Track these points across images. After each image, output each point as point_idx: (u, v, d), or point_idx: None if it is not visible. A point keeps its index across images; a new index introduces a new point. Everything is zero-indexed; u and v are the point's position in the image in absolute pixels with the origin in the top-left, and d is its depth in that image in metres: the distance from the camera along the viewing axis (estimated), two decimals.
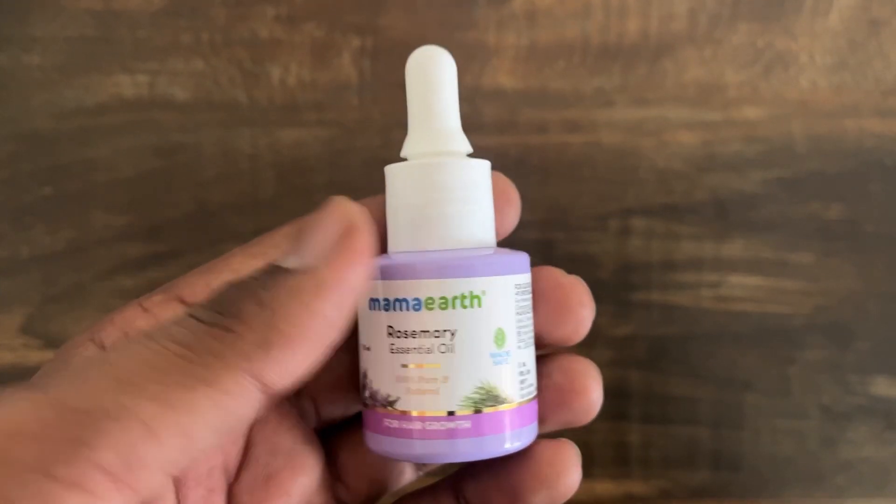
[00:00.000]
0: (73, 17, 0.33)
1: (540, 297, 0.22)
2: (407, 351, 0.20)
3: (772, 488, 0.34)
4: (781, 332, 0.34)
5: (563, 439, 0.22)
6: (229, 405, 0.15)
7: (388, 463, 0.24)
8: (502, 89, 0.33)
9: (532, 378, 0.22)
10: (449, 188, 0.21)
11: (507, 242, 0.24)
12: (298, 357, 0.16)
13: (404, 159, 0.22)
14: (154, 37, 0.33)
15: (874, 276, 0.33)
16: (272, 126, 0.33)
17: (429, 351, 0.20)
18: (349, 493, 0.24)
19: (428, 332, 0.20)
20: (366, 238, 0.18)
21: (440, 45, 0.23)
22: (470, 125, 0.33)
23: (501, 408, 0.21)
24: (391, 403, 0.21)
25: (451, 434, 0.20)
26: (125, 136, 0.33)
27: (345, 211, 0.18)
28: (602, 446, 0.34)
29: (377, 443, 0.21)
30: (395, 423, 0.20)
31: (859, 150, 0.33)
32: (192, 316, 0.16)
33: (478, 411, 0.20)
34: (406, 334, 0.20)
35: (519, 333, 0.21)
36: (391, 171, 0.22)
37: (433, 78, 0.22)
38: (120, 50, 0.33)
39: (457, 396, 0.20)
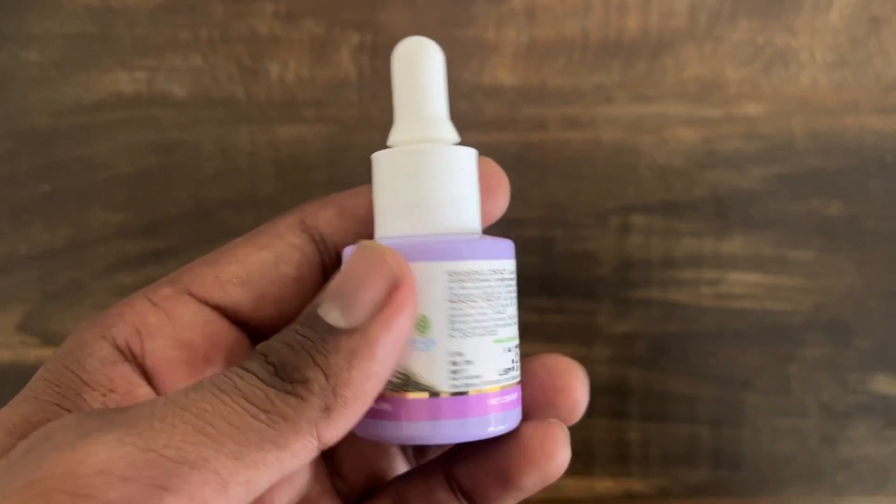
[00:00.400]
0: (71, 13, 0.33)
1: (536, 382, 0.23)
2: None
3: (771, 486, 0.34)
4: (781, 329, 0.33)
5: (552, 419, 0.22)
6: (291, 464, 0.17)
7: (384, 454, 0.24)
8: (502, 86, 0.33)
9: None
10: (434, 175, 0.21)
11: (508, 237, 0.24)
12: (355, 416, 0.18)
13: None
14: (152, 33, 0.33)
15: (874, 273, 0.33)
16: (271, 123, 0.33)
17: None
18: (347, 486, 0.24)
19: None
20: (411, 291, 0.19)
21: (439, 41, 0.23)
22: (470, 122, 0.33)
23: (421, 395, 0.21)
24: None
25: (378, 416, 0.20)
26: (123, 134, 0.33)
27: (389, 265, 0.19)
28: (602, 444, 0.34)
29: (363, 427, 0.21)
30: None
31: (860, 147, 0.33)
32: (258, 376, 0.18)
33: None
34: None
35: (452, 322, 0.21)
36: (378, 158, 0.22)
37: (419, 66, 0.22)
38: (118, 47, 0.33)
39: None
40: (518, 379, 0.22)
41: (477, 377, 0.22)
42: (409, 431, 0.21)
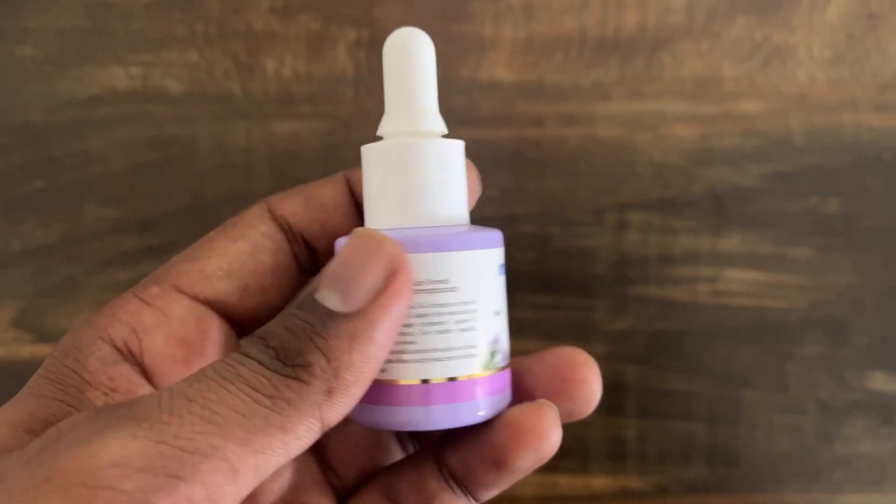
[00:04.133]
0: (66, 8, 0.33)
1: (552, 373, 0.24)
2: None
3: (768, 483, 0.34)
4: (778, 327, 0.33)
5: (542, 400, 0.22)
6: (297, 447, 0.17)
7: (377, 446, 0.24)
8: (499, 82, 0.33)
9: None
10: (423, 167, 0.22)
11: (505, 232, 0.24)
12: (355, 398, 0.18)
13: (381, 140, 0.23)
14: (148, 28, 0.33)
15: (871, 271, 0.33)
16: (267, 118, 0.33)
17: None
18: (340, 481, 0.24)
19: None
20: (408, 278, 0.19)
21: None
22: (466, 118, 0.33)
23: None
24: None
25: (372, 400, 0.21)
26: (119, 129, 0.33)
27: (387, 252, 0.19)
28: (598, 441, 0.34)
29: (359, 412, 0.21)
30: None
31: (857, 145, 0.33)
32: (260, 362, 0.18)
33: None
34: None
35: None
36: (367, 151, 0.23)
37: (409, 59, 0.22)
38: (113, 42, 0.33)
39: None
40: (507, 363, 0.22)
41: (505, 355, 0.22)
42: (402, 417, 0.21)
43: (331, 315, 0.18)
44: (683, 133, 0.33)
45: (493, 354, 0.22)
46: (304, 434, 0.17)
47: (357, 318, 0.18)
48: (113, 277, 0.33)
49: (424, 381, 0.21)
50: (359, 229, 0.20)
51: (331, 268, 0.19)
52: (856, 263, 0.33)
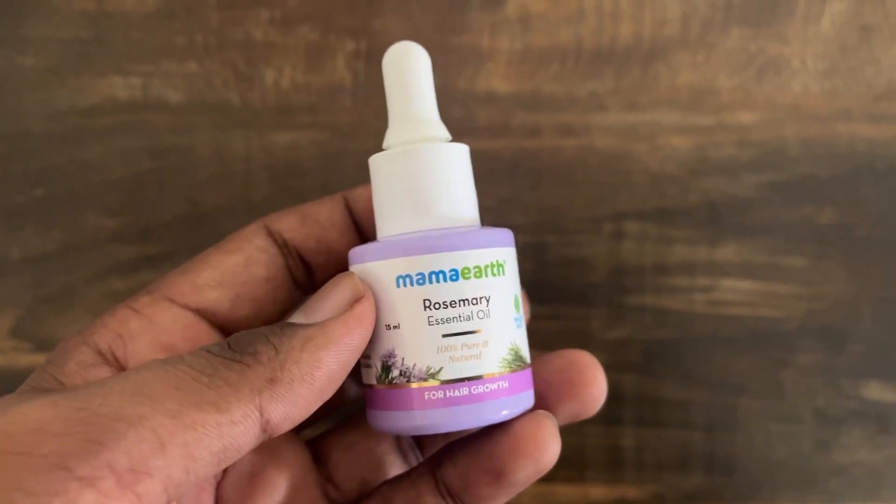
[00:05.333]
0: (66, 18, 0.33)
1: (560, 376, 0.25)
2: (447, 321, 0.21)
3: (765, 492, 0.34)
4: (774, 335, 0.34)
5: (540, 411, 0.22)
6: (232, 433, 0.17)
7: (379, 460, 0.24)
8: (496, 93, 0.33)
9: (525, 345, 0.23)
10: (433, 171, 0.22)
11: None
12: (299, 400, 0.18)
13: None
14: (148, 38, 0.33)
15: (866, 279, 0.34)
16: (266, 128, 0.33)
17: (468, 318, 0.21)
18: (340, 493, 0.24)
19: (467, 300, 0.21)
20: (371, 306, 0.20)
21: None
22: (464, 128, 0.33)
23: (526, 367, 0.22)
24: (433, 375, 0.21)
25: (494, 395, 0.21)
26: (118, 138, 0.33)
27: (354, 282, 0.20)
28: (595, 450, 0.34)
29: (417, 419, 0.21)
30: (437, 395, 0.21)
31: (851, 155, 0.33)
32: (209, 351, 0.18)
33: (512, 371, 0.22)
34: (444, 305, 0.21)
35: (521, 300, 0.23)
36: (376, 160, 0.23)
37: (409, 71, 0.23)
38: (113, 51, 0.33)
39: (496, 359, 0.21)
40: (528, 362, 0.23)
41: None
42: (426, 420, 0.21)
43: (291, 325, 0.19)
44: (679, 143, 0.33)
45: (513, 352, 0.22)
46: (240, 419, 0.17)
47: (315, 327, 0.19)
48: (112, 286, 0.33)
49: (445, 382, 0.21)
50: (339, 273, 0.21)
51: (306, 301, 0.20)
52: (851, 272, 0.34)
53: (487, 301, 0.21)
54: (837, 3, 0.33)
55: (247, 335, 0.18)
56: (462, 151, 0.23)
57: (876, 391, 0.34)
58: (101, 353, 0.21)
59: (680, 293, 0.34)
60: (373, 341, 0.22)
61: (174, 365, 0.17)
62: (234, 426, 0.17)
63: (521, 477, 0.21)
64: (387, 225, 0.23)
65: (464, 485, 0.22)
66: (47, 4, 0.33)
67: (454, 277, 0.21)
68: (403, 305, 0.21)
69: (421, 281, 0.21)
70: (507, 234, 0.23)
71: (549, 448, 0.21)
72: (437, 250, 0.21)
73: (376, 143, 0.33)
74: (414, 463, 0.26)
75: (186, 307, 0.22)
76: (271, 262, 0.23)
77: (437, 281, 0.21)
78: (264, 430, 0.17)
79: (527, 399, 0.22)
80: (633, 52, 0.33)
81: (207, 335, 0.22)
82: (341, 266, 0.24)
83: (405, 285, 0.21)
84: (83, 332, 0.21)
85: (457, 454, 0.23)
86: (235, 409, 0.17)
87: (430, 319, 0.21)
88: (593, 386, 0.24)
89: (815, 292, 0.34)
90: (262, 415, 0.17)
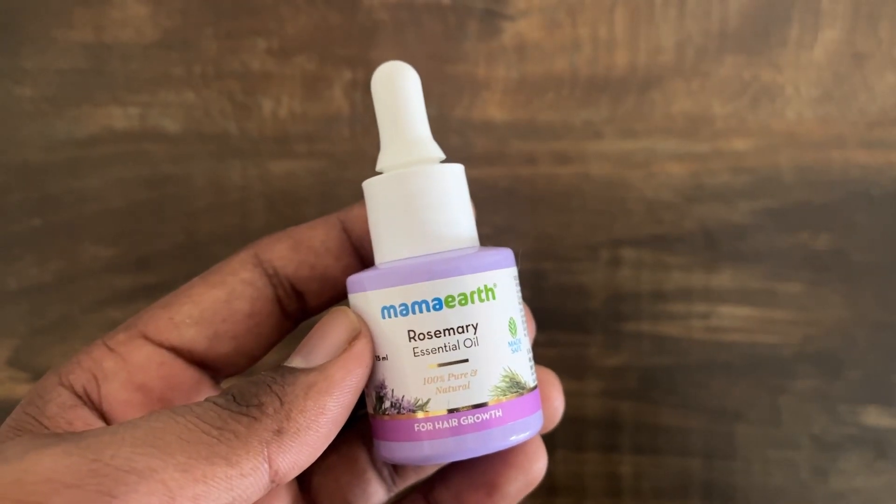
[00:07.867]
0: (64, 49, 0.33)
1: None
2: (432, 351, 0.21)
3: None
4: (771, 361, 0.34)
5: None
6: (241, 485, 0.17)
7: (359, 482, 0.25)
8: (492, 121, 0.33)
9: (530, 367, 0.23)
10: (427, 195, 0.22)
11: None
12: (306, 448, 0.18)
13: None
14: (145, 69, 0.33)
15: (862, 305, 0.34)
16: (263, 158, 0.33)
17: (455, 348, 0.21)
18: None
19: (452, 329, 0.21)
20: (368, 343, 0.20)
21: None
22: (461, 157, 0.33)
23: (524, 393, 0.22)
24: (421, 407, 0.21)
25: (485, 425, 0.21)
26: (115, 168, 0.33)
27: (350, 319, 0.20)
28: (593, 477, 0.34)
29: (408, 450, 0.21)
30: (427, 426, 0.21)
31: (845, 181, 0.33)
32: (214, 402, 0.18)
33: (508, 399, 0.21)
34: (429, 335, 0.21)
35: (522, 322, 0.22)
36: (370, 185, 0.23)
37: (399, 89, 0.23)
38: (111, 82, 0.33)
39: (486, 387, 0.21)
40: (535, 384, 0.23)
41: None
42: (434, 449, 0.21)
43: (292, 371, 0.19)
44: (674, 170, 0.33)
45: (531, 369, 0.22)
46: (250, 472, 0.17)
47: (316, 372, 0.19)
48: (108, 315, 0.33)
49: (452, 411, 0.21)
50: (332, 308, 0.21)
51: (302, 341, 0.20)
52: (847, 298, 0.34)
53: (475, 328, 0.21)
54: (830, 31, 0.33)
55: (249, 386, 0.18)
56: (456, 172, 0.23)
57: (874, 416, 0.34)
58: (76, 395, 0.21)
59: (677, 320, 0.34)
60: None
61: (183, 416, 0.17)
62: (244, 478, 0.17)
63: (513, 490, 0.22)
64: (381, 251, 0.22)
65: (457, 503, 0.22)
66: (45, 35, 0.33)
67: (437, 307, 0.20)
68: (389, 336, 0.21)
69: (404, 311, 0.21)
70: (501, 256, 0.22)
71: (538, 460, 0.22)
72: (420, 279, 0.21)
73: (373, 172, 0.33)
74: (389, 480, 0.26)
75: (161, 345, 0.22)
76: (257, 297, 0.23)
77: (420, 311, 0.20)
78: (273, 480, 0.18)
79: (527, 424, 0.21)
80: (628, 81, 0.33)
81: (183, 373, 0.22)
82: (336, 291, 0.24)
83: (390, 316, 0.21)
84: (59, 370, 0.21)
85: (449, 475, 0.23)
86: (245, 462, 0.17)
87: (416, 350, 0.21)
88: (549, 402, 0.24)
89: (811, 318, 0.34)
90: (270, 466, 0.17)
